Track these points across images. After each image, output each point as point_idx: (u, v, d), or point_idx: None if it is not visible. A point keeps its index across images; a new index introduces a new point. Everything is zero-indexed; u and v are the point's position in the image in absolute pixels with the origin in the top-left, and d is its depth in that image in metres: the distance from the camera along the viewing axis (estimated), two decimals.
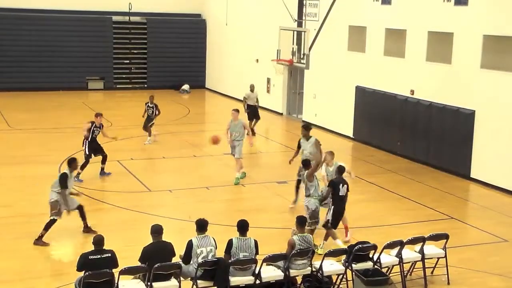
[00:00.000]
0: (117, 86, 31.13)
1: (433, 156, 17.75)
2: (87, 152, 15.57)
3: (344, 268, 9.67)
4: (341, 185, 11.41)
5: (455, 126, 16.94)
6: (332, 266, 9.67)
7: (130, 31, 31.22)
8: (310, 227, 11.04)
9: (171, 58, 31.43)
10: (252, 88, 21.65)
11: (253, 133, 20.40)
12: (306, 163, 12.08)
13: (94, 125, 15.68)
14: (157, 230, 9.03)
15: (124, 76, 31.45)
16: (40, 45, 29.13)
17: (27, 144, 19.19)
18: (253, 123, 21.22)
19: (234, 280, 9.07)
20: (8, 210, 13.39)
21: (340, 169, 11.72)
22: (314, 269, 9.53)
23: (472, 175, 16.54)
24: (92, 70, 30.33)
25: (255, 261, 9.18)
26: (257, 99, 21.50)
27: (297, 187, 13.74)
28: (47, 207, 13.52)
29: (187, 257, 9.07)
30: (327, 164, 12.55)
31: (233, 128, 15.47)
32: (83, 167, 15.24)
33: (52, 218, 11.63)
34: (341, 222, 11.67)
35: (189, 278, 9.06)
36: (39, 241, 11.53)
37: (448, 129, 17.14)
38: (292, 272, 9.40)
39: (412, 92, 18.55)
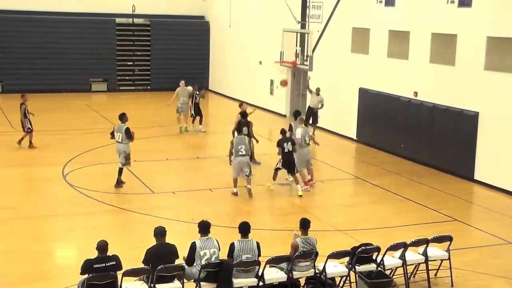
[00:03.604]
0: (121, 88, 31.18)
1: (436, 158, 17.73)
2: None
3: (347, 270, 9.66)
4: (285, 143, 14.94)
5: (458, 127, 16.94)
6: (335, 268, 9.67)
7: (133, 33, 31.31)
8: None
9: (175, 59, 31.49)
10: (317, 91, 21.27)
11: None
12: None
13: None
14: (160, 232, 9.06)
15: (127, 78, 31.53)
16: (44, 47, 29.24)
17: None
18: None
19: (237, 282, 9.09)
20: (13, 212, 13.44)
21: (283, 131, 15.51)
22: (317, 271, 9.53)
23: (476, 177, 16.52)
24: (95, 72, 30.41)
25: (258, 263, 9.20)
26: (321, 104, 21.21)
27: None
28: (52, 209, 13.69)
29: (190, 259, 9.09)
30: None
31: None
32: None
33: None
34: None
35: (193, 280, 9.08)
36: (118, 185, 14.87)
37: (452, 130, 17.13)
38: (295, 274, 9.42)
39: (416, 94, 18.56)
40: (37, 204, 14.04)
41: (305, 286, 9.64)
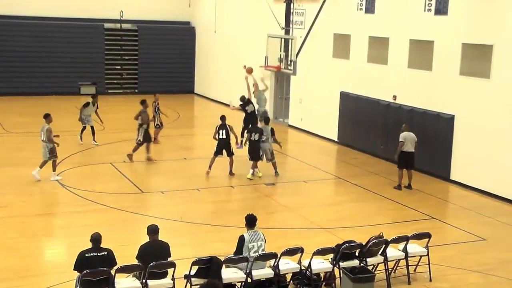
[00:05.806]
0: (109, 91, 31.56)
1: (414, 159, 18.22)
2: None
3: (332, 266, 9.94)
4: (253, 132, 16.61)
5: (435, 130, 17.44)
6: (320, 264, 9.95)
7: (121, 38, 31.65)
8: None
9: (161, 64, 31.90)
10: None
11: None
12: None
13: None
14: (153, 230, 9.33)
15: (115, 81, 31.88)
16: (35, 51, 29.50)
17: (22, 147, 19.45)
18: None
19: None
20: (5, 211, 13.64)
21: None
22: (303, 267, 9.78)
23: (452, 177, 17.02)
24: (84, 75, 30.72)
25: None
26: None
27: None
28: (44, 208, 13.99)
29: (239, 251, 9.44)
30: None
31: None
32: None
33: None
34: None
35: (183, 277, 9.23)
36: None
37: (429, 133, 17.58)
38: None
39: (395, 97, 19.14)
40: (29, 203, 14.23)
41: (291, 282, 9.92)
